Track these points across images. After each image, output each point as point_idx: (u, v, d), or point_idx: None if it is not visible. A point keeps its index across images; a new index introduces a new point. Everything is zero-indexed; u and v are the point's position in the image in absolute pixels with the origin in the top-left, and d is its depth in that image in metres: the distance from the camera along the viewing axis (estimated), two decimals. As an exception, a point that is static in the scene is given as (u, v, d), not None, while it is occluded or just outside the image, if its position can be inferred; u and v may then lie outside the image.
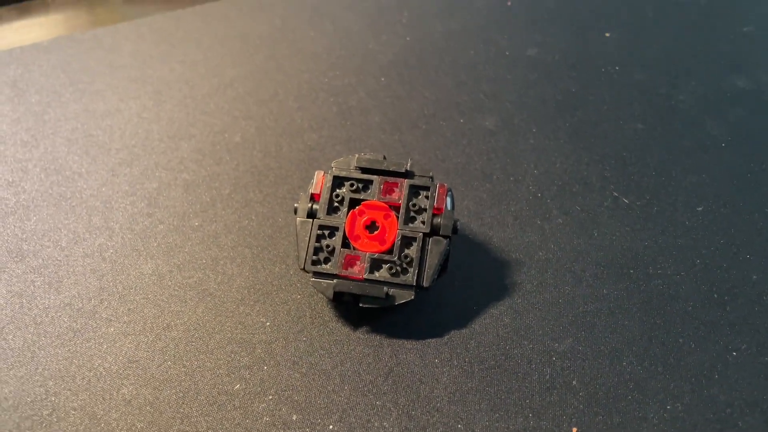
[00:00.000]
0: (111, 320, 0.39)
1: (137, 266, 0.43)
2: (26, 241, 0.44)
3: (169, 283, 0.42)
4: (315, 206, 0.39)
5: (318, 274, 0.38)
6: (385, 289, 0.37)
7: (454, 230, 0.38)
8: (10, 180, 0.48)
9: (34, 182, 0.48)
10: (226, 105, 0.55)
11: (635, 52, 0.59)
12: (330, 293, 0.38)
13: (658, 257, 0.42)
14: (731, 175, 0.48)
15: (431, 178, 0.39)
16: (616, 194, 0.47)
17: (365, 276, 0.38)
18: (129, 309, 0.40)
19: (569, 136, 0.51)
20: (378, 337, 0.39)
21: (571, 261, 0.42)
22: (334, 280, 0.38)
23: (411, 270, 0.38)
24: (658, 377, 0.36)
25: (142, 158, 0.50)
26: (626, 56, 0.59)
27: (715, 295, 0.40)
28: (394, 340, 0.39)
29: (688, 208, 0.46)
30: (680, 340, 0.38)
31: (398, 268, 0.38)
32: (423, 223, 0.38)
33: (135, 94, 0.56)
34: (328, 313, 0.40)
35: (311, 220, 0.39)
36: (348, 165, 0.40)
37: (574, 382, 0.36)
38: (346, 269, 0.38)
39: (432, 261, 0.38)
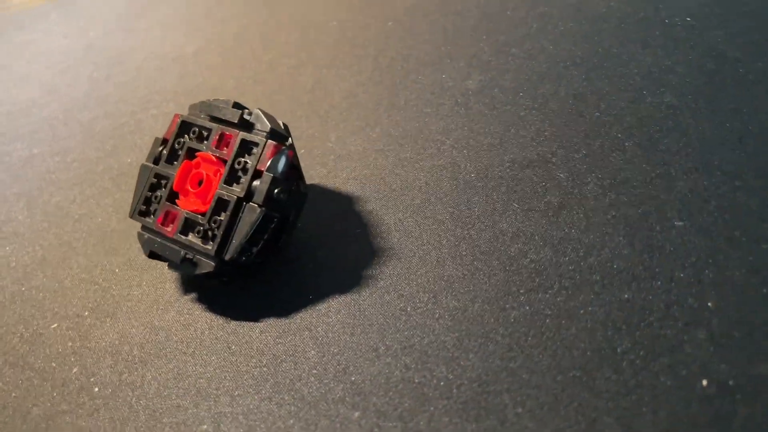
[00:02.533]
0: None
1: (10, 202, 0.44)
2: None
3: (35, 210, 0.42)
4: (163, 151, 0.35)
5: (144, 227, 0.35)
6: (184, 253, 0.32)
7: (271, 199, 0.31)
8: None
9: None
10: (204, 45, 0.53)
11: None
12: (147, 249, 0.34)
13: (550, 279, 0.30)
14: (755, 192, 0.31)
15: (269, 134, 0.33)
16: (552, 196, 0.34)
17: (175, 236, 0.33)
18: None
19: (559, 107, 0.39)
20: (195, 306, 0.34)
21: (434, 279, 0.32)
22: (149, 236, 0.34)
23: (217, 238, 0.32)
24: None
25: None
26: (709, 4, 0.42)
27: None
28: (208, 314, 0.34)
29: (663, 219, 0.31)
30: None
31: (209, 233, 0.32)
32: (239, 184, 0.32)
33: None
34: (169, 271, 0.37)
35: (152, 166, 0.35)
36: (201, 109, 0.35)
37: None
38: (167, 226, 0.34)
39: (240, 231, 0.32)
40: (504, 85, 0.41)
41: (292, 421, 0.28)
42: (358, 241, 0.35)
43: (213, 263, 0.32)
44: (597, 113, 0.37)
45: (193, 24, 0.57)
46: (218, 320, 0.33)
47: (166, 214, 0.34)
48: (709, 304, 0.28)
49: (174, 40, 0.56)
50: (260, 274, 0.34)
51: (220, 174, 0.33)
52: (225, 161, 0.33)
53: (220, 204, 0.32)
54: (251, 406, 0.29)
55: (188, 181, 0.34)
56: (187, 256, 0.32)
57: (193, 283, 0.35)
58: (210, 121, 0.34)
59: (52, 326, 0.35)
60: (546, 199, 0.34)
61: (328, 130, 0.42)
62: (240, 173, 0.33)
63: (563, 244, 0.31)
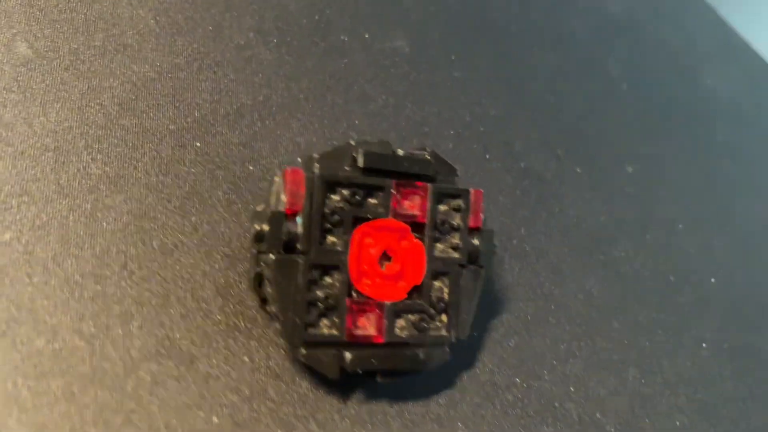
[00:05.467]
0: None
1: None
2: None
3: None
4: (293, 229, 0.24)
5: (313, 344, 0.24)
6: (421, 354, 0.25)
7: (493, 257, 0.27)
8: None
9: None
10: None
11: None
12: (335, 371, 0.24)
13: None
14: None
15: (455, 177, 0.27)
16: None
17: (386, 338, 0.25)
18: None
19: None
20: (383, 408, 0.27)
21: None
22: (344, 352, 0.24)
23: (444, 318, 0.26)
24: None
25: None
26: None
27: None
28: (408, 406, 0.27)
29: None
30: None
31: (428, 317, 0.26)
32: (455, 248, 0.26)
33: None
34: (299, 373, 0.26)
35: (296, 257, 0.23)
36: (339, 160, 0.25)
37: None
38: (361, 330, 0.24)
39: (469, 303, 0.26)
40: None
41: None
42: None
43: (448, 350, 0.26)
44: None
45: None
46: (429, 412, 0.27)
47: (354, 314, 0.24)
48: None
49: None
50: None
51: (409, 240, 0.25)
52: (412, 223, 0.25)
53: (434, 277, 0.26)
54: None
55: (366, 261, 0.25)
56: (418, 355, 0.25)
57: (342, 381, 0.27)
58: (364, 174, 0.25)
59: None
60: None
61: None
62: (438, 233, 0.26)
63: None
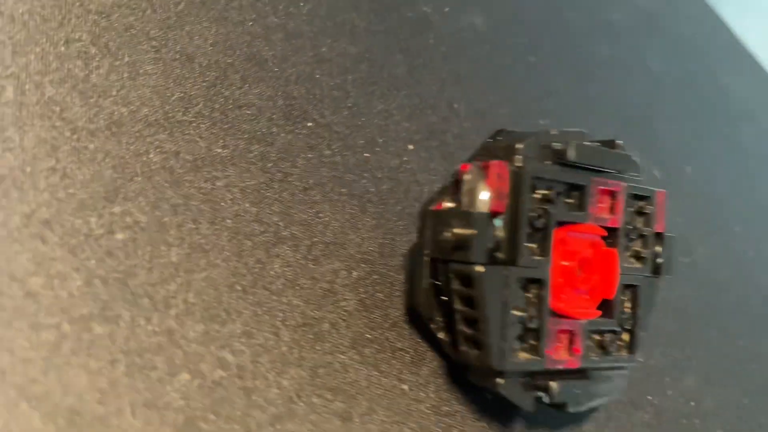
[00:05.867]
0: None
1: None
2: None
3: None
4: (494, 232, 0.19)
5: (513, 373, 0.20)
6: (616, 380, 0.22)
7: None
8: None
9: None
10: None
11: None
12: (529, 403, 0.20)
13: None
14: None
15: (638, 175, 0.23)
16: None
17: (584, 364, 0.21)
18: None
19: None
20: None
21: None
22: (548, 382, 0.20)
23: (626, 337, 0.23)
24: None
25: None
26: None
27: None
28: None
29: None
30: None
31: (617, 336, 0.22)
32: (638, 257, 0.23)
33: None
34: (465, 401, 0.22)
35: (504, 269, 0.19)
36: (538, 149, 0.21)
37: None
38: (558, 355, 0.21)
39: (646, 318, 0.23)
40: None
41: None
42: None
43: (627, 375, 0.23)
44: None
45: None
46: None
47: (553, 338, 0.20)
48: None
49: None
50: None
51: (600, 248, 0.22)
52: (607, 228, 0.22)
53: (623, 291, 0.22)
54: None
55: (562, 273, 0.21)
56: (613, 381, 0.22)
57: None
58: (563, 170, 0.21)
59: None
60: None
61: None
62: (626, 240, 0.23)
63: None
